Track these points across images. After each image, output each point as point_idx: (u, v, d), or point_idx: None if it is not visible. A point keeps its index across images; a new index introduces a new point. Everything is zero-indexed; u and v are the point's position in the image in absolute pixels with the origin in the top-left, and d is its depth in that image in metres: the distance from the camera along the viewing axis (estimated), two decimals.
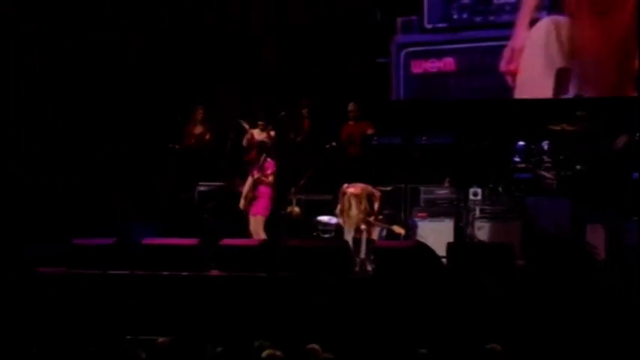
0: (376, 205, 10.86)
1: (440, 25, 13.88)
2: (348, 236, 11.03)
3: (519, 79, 13.11)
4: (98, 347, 7.73)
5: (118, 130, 14.34)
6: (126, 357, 7.24)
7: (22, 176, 13.89)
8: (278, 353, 6.88)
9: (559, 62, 12.96)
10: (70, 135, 14.48)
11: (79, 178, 13.69)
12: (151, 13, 15.10)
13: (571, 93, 12.80)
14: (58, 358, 7.49)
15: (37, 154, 14.26)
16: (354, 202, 10.72)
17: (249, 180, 11.66)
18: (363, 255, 10.73)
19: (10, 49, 14.87)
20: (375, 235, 10.94)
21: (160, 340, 7.57)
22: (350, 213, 10.82)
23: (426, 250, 10.47)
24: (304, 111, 12.66)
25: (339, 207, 11.01)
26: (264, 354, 6.86)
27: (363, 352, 7.43)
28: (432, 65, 13.91)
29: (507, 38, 13.45)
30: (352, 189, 10.81)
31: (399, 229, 11.05)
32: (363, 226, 10.83)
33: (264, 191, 11.58)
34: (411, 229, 11.62)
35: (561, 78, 12.85)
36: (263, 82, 13.81)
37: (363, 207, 10.75)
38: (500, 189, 11.71)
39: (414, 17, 13.94)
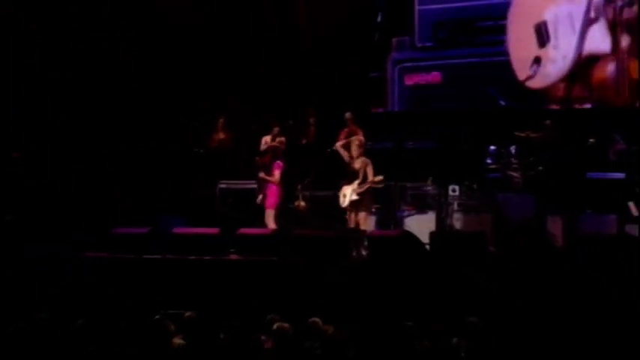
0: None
1: (428, 44, 13.91)
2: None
3: None
4: (134, 321, 7.81)
5: (155, 135, 13.94)
6: (157, 329, 7.28)
7: (69, 173, 13.49)
8: (286, 325, 6.96)
9: None
10: (113, 136, 13.99)
11: (121, 176, 13.42)
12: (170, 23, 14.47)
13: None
14: (101, 330, 7.51)
15: (82, 153, 13.76)
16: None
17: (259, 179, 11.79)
18: (359, 242, 10.73)
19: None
20: (368, 227, 10.91)
21: (187, 314, 7.66)
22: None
23: (412, 238, 10.56)
24: (311, 120, 12.68)
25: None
26: (275, 326, 6.95)
27: (358, 324, 7.45)
28: (421, 78, 13.92)
29: (485, 55, 13.46)
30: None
31: (378, 178, 10.85)
32: (355, 197, 10.78)
33: (272, 188, 11.58)
34: (400, 220, 11.66)
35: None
36: (275, 96, 13.71)
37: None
38: (474, 186, 11.72)
39: (406, 37, 13.97)
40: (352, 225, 10.94)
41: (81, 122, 14.12)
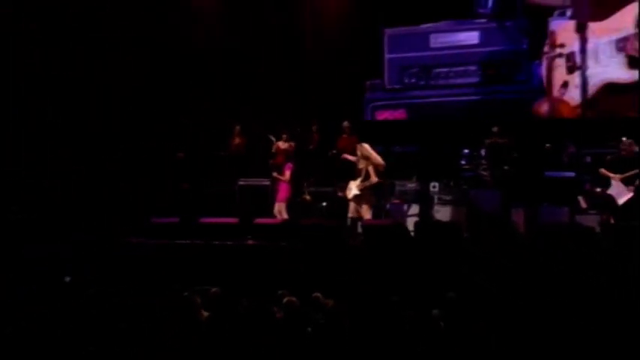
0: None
1: (396, 86, 13.90)
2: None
3: None
4: (168, 295, 7.81)
5: (186, 140, 13.50)
6: (186, 302, 7.28)
7: (115, 169, 13.14)
8: (294, 299, 6.98)
9: None
10: (153, 138, 13.56)
11: (157, 174, 13.18)
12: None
13: None
14: (141, 303, 7.52)
15: (128, 152, 13.33)
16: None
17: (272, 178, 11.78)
18: (358, 230, 10.74)
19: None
20: (367, 216, 10.85)
21: (212, 290, 7.68)
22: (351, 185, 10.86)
23: (399, 226, 10.59)
24: (314, 128, 12.67)
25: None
26: (285, 300, 6.97)
27: (353, 298, 7.46)
28: (390, 114, 13.92)
29: (441, 96, 13.52)
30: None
31: (375, 181, 10.77)
32: (357, 192, 10.75)
33: (283, 185, 11.58)
34: (390, 212, 11.63)
35: None
36: (285, 108, 13.67)
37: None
38: (451, 183, 11.72)
39: (377, 80, 13.99)
40: (353, 214, 10.89)
41: (119, 124, 13.54)
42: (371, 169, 10.68)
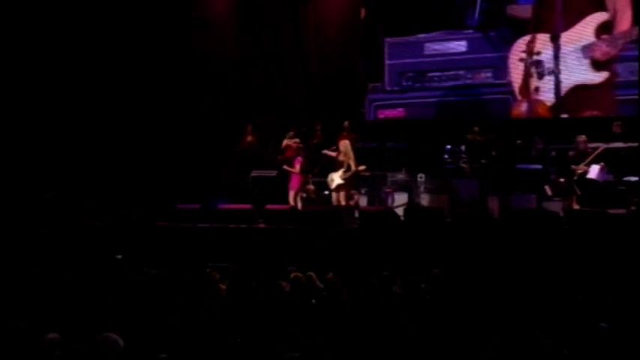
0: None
1: (395, 88, 13.78)
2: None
3: None
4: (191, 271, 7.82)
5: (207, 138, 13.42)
6: (207, 277, 7.27)
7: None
8: (300, 274, 6.96)
9: None
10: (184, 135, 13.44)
11: (182, 167, 12.97)
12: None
13: None
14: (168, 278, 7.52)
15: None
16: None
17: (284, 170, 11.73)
18: (354, 215, 10.71)
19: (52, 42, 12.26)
20: (343, 203, 10.88)
21: (229, 266, 7.66)
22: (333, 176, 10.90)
23: (391, 212, 10.55)
24: (318, 127, 12.59)
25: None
26: (292, 275, 6.96)
27: (349, 272, 7.43)
28: (389, 113, 13.81)
29: (434, 97, 13.43)
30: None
31: (362, 167, 10.87)
32: (340, 181, 10.80)
33: (294, 177, 11.48)
34: (382, 199, 11.56)
35: None
36: (292, 110, 13.60)
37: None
38: (436, 175, 11.67)
39: (378, 83, 13.88)
40: (335, 202, 10.96)
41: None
42: (351, 162, 10.75)
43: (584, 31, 12.21)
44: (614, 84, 12.08)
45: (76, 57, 12.80)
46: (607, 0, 12.01)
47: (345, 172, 10.78)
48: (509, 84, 12.84)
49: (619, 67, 12.05)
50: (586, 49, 12.18)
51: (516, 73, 12.76)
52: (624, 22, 11.93)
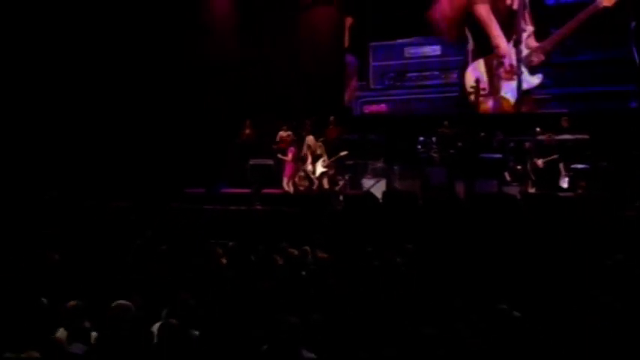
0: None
1: (378, 86, 13.73)
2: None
3: None
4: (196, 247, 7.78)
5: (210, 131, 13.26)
6: (210, 252, 7.23)
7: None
8: (292, 250, 6.94)
9: None
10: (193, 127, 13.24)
11: (189, 156, 12.82)
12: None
13: None
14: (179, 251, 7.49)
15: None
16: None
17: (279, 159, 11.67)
18: (338, 198, 10.69)
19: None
20: (326, 186, 11.02)
21: (230, 243, 7.62)
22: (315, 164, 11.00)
23: (371, 196, 10.52)
24: (307, 122, 12.43)
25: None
26: (285, 251, 6.93)
27: (336, 249, 7.42)
28: (374, 108, 13.76)
29: (412, 94, 13.41)
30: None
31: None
32: (325, 169, 10.95)
33: (287, 165, 11.47)
34: (363, 185, 11.51)
35: None
36: (287, 107, 13.42)
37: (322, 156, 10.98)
38: (410, 163, 11.62)
39: (364, 82, 13.83)
40: (318, 187, 11.05)
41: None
42: (324, 150, 10.98)
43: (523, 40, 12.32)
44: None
45: (83, 59, 12.53)
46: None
47: (324, 161, 10.92)
48: (462, 84, 12.90)
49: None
50: (525, 59, 12.24)
51: (477, 74, 12.75)
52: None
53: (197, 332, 4.49)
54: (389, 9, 13.28)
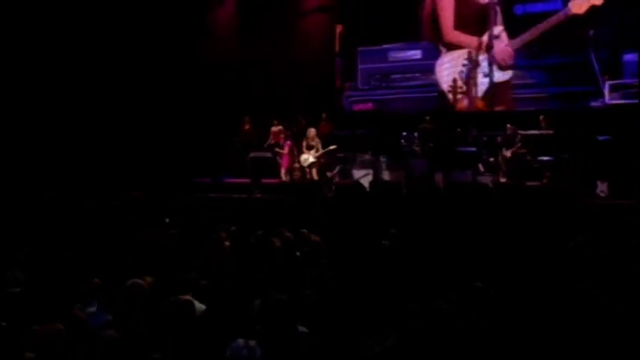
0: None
1: (365, 87, 13.72)
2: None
3: None
4: (202, 231, 7.76)
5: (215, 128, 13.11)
6: (214, 235, 7.22)
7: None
8: (288, 234, 6.93)
9: None
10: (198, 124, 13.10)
11: (198, 151, 12.74)
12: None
13: None
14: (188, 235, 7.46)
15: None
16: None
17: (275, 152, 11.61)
18: (331, 185, 10.70)
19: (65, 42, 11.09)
20: (316, 177, 11.05)
21: (232, 228, 7.60)
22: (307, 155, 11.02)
23: (359, 185, 10.50)
24: (300, 118, 12.40)
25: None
26: (282, 234, 6.92)
27: (329, 232, 7.42)
28: (362, 107, 13.73)
29: (395, 94, 13.37)
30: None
31: (333, 147, 11.09)
32: (313, 160, 10.98)
33: (284, 157, 11.46)
34: (352, 175, 11.50)
35: None
36: (284, 106, 13.32)
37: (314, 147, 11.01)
38: (394, 155, 11.59)
39: (353, 82, 13.81)
40: (309, 177, 11.06)
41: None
42: (319, 145, 11.03)
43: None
44: (511, 85, 12.16)
45: (92, 60, 12.24)
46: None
47: (315, 152, 10.97)
48: (438, 85, 12.92)
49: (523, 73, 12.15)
50: (490, 58, 12.28)
51: (451, 77, 12.74)
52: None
53: (204, 306, 4.49)
54: (375, 17, 13.27)
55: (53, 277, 4.98)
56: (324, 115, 12.12)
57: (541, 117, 10.56)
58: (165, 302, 4.21)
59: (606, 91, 11.02)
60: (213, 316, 4.29)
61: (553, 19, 11.51)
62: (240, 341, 3.31)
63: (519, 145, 10.04)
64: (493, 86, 12.28)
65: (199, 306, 4.44)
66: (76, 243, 6.49)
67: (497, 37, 12.21)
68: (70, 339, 3.69)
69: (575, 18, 11.26)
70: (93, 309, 4.53)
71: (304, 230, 7.12)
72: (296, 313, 4.15)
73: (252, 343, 3.31)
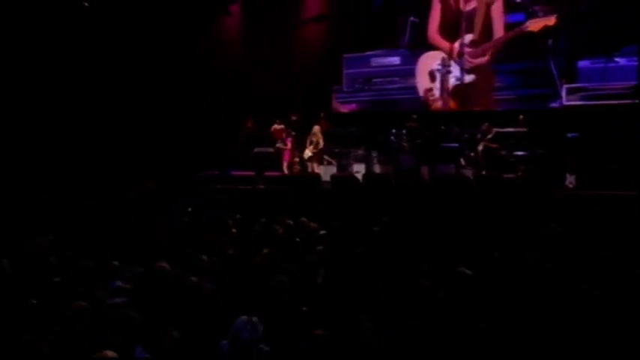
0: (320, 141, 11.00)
1: (350, 90, 13.64)
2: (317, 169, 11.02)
3: None
4: (210, 218, 7.75)
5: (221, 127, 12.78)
6: (221, 222, 7.20)
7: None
8: (290, 221, 6.92)
9: None
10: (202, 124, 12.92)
11: (206, 146, 12.45)
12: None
13: None
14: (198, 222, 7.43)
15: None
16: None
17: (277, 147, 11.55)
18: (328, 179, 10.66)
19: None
20: (317, 170, 10.96)
21: (237, 216, 7.60)
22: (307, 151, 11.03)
23: (353, 177, 10.49)
24: (295, 117, 12.15)
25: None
26: (283, 222, 6.91)
27: (326, 220, 7.41)
28: (348, 107, 13.66)
29: (381, 96, 13.27)
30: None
31: (320, 146, 11.05)
32: (310, 154, 10.99)
33: (286, 152, 11.36)
34: (346, 168, 11.47)
35: None
36: (284, 105, 13.23)
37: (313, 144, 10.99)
38: (384, 150, 11.49)
39: (340, 86, 13.68)
40: (309, 170, 11.03)
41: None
42: (320, 140, 10.96)
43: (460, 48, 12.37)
44: (492, 87, 12.09)
45: (97, 62, 11.81)
46: (475, 23, 12.15)
47: (314, 147, 10.97)
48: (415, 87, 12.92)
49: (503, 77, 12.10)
50: (460, 62, 12.30)
51: (426, 79, 12.75)
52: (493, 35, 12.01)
53: (212, 286, 4.49)
54: (358, 27, 13.28)
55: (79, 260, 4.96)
56: (322, 114, 12.05)
57: (521, 116, 10.54)
58: (179, 283, 4.21)
59: (563, 94, 11.17)
60: (221, 296, 4.29)
61: (515, 32, 11.64)
62: (244, 318, 3.29)
63: (489, 137, 10.08)
64: (462, 88, 12.31)
65: (208, 285, 4.45)
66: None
67: (467, 44, 12.26)
68: (92, 317, 3.69)
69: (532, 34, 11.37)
70: (114, 287, 4.53)
71: (304, 218, 7.11)
72: (296, 294, 4.15)
73: (255, 319, 3.30)
